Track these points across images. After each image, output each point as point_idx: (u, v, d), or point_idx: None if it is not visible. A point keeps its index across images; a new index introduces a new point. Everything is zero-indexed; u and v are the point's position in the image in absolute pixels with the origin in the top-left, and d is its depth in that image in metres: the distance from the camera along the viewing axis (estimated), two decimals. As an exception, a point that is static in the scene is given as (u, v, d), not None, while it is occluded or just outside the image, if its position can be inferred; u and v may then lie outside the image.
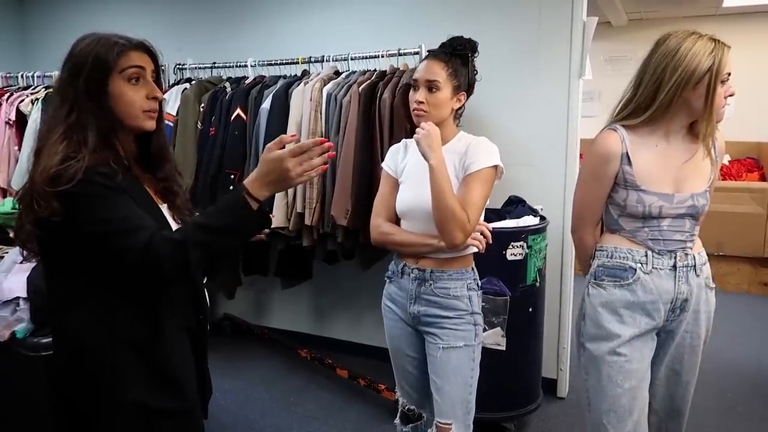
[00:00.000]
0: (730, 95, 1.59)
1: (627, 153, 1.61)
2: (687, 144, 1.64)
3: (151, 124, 1.29)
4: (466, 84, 1.76)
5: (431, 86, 1.70)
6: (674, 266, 1.64)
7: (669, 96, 1.54)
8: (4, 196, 3.51)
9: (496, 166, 1.71)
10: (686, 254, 1.65)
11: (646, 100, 1.58)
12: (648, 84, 1.57)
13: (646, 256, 1.64)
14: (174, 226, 1.32)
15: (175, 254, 1.15)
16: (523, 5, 2.87)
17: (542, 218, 2.67)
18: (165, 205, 1.37)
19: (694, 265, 1.66)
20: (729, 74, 1.58)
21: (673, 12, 5.77)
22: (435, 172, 1.62)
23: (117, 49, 1.22)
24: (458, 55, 1.74)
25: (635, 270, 1.64)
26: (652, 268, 1.64)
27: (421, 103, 1.71)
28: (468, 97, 1.80)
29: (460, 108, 1.80)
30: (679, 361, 1.71)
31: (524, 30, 2.88)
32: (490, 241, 1.76)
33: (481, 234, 1.74)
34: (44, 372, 1.53)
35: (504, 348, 2.51)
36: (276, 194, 2.78)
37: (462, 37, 1.78)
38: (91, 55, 1.22)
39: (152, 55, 1.30)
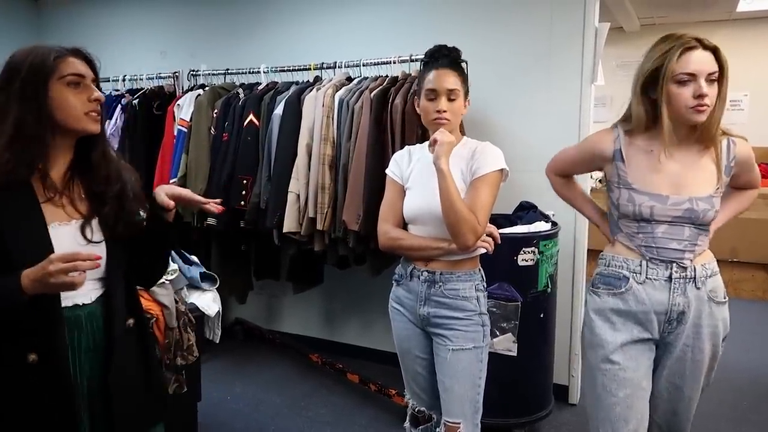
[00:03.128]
0: (699, 96, 1.49)
1: (620, 150, 1.65)
2: (687, 148, 1.60)
3: (95, 127, 1.29)
4: (468, 89, 1.83)
5: (451, 95, 1.76)
6: (670, 277, 1.60)
7: (635, 102, 1.59)
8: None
9: (501, 170, 1.75)
10: (683, 267, 1.60)
11: (629, 109, 1.64)
12: (631, 93, 1.64)
13: (641, 265, 1.62)
14: (69, 240, 1.26)
15: None
16: (534, 11, 2.88)
17: (554, 224, 2.67)
18: (80, 221, 1.31)
19: (694, 278, 1.60)
20: (692, 74, 1.49)
21: (686, 17, 5.75)
22: (446, 178, 1.66)
23: (54, 55, 1.24)
24: (460, 63, 1.82)
25: (628, 279, 1.63)
26: (646, 278, 1.62)
27: (444, 111, 1.76)
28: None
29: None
30: (680, 376, 1.65)
31: (536, 36, 2.88)
32: (499, 242, 1.80)
33: (490, 236, 1.78)
34: None
35: (515, 354, 2.51)
36: (288, 199, 2.81)
37: (446, 45, 1.84)
38: (26, 61, 1.23)
39: (90, 63, 1.30)
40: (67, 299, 1.26)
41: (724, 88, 1.54)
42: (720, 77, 1.52)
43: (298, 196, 2.83)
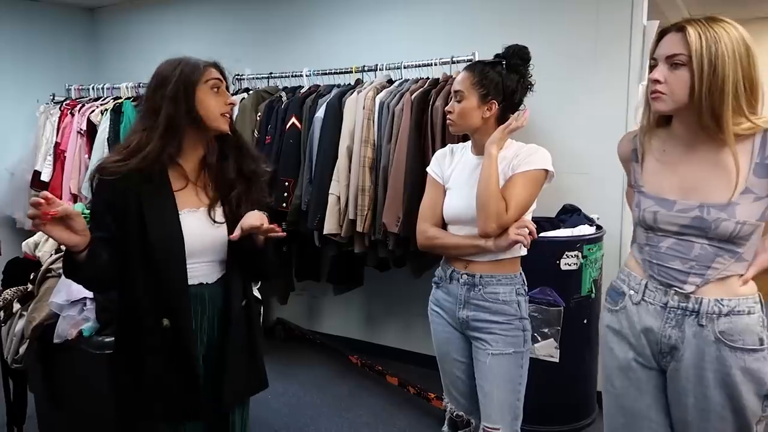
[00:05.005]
0: (652, 81, 1.34)
1: (636, 149, 1.49)
2: (703, 147, 1.36)
3: (226, 127, 1.51)
4: (498, 92, 1.71)
5: (457, 96, 1.75)
6: (666, 304, 1.38)
7: None
8: (75, 202, 3.71)
9: (546, 170, 1.70)
10: (684, 295, 1.35)
11: None
12: None
13: (640, 283, 1.43)
14: (197, 225, 1.49)
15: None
16: (580, 9, 2.82)
17: (598, 227, 2.61)
18: (207, 206, 1.52)
19: (697, 312, 1.34)
20: (656, 59, 1.34)
21: (740, 13, 5.52)
22: (492, 162, 1.66)
23: (201, 65, 1.48)
24: (491, 63, 1.75)
25: (625, 296, 1.46)
26: (642, 299, 1.42)
27: (450, 113, 1.78)
28: (508, 104, 1.74)
29: (501, 115, 1.74)
30: (684, 424, 1.41)
31: (582, 35, 2.82)
32: (535, 236, 1.66)
33: (527, 230, 1.65)
34: (109, 368, 1.64)
35: (557, 360, 2.46)
36: (329, 201, 2.84)
37: (514, 45, 1.76)
38: (177, 69, 1.45)
39: (223, 73, 1.55)
40: (194, 278, 1.49)
41: (700, 73, 1.27)
42: (690, 60, 1.28)
43: (339, 198, 2.85)
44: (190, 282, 1.48)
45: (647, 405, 1.46)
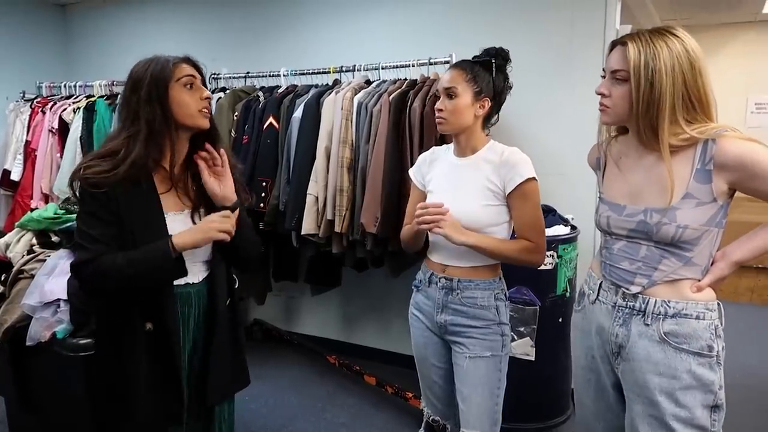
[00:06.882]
0: (599, 93, 1.40)
1: (600, 158, 1.56)
2: (648, 156, 1.39)
3: (205, 122, 1.50)
4: (490, 90, 1.73)
5: (449, 93, 1.72)
6: (615, 304, 1.42)
7: None
8: (47, 202, 3.63)
9: (534, 178, 1.70)
10: (632, 294, 1.39)
11: None
12: None
13: (596, 284, 1.50)
14: (182, 228, 1.47)
15: (95, 279, 1.41)
16: (555, 13, 2.87)
17: (573, 228, 2.65)
18: (190, 209, 1.53)
19: (644, 311, 1.37)
20: (604, 69, 1.40)
21: (710, 19, 5.67)
22: (479, 245, 1.68)
23: (171, 62, 1.45)
24: (480, 62, 1.75)
25: (585, 296, 1.54)
26: (597, 298, 1.48)
27: (441, 110, 1.73)
28: (496, 103, 1.77)
29: (488, 115, 1.77)
30: (632, 429, 1.39)
31: (557, 37, 2.87)
32: (436, 215, 1.66)
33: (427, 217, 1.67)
34: (84, 371, 1.62)
35: (533, 358, 2.49)
36: (307, 201, 2.83)
37: (493, 47, 1.78)
38: (148, 70, 1.43)
39: (197, 67, 1.54)
40: (180, 279, 1.49)
41: (638, 90, 1.31)
42: (630, 77, 1.32)
43: (317, 198, 2.85)
44: (177, 282, 1.48)
45: (603, 406, 1.51)
